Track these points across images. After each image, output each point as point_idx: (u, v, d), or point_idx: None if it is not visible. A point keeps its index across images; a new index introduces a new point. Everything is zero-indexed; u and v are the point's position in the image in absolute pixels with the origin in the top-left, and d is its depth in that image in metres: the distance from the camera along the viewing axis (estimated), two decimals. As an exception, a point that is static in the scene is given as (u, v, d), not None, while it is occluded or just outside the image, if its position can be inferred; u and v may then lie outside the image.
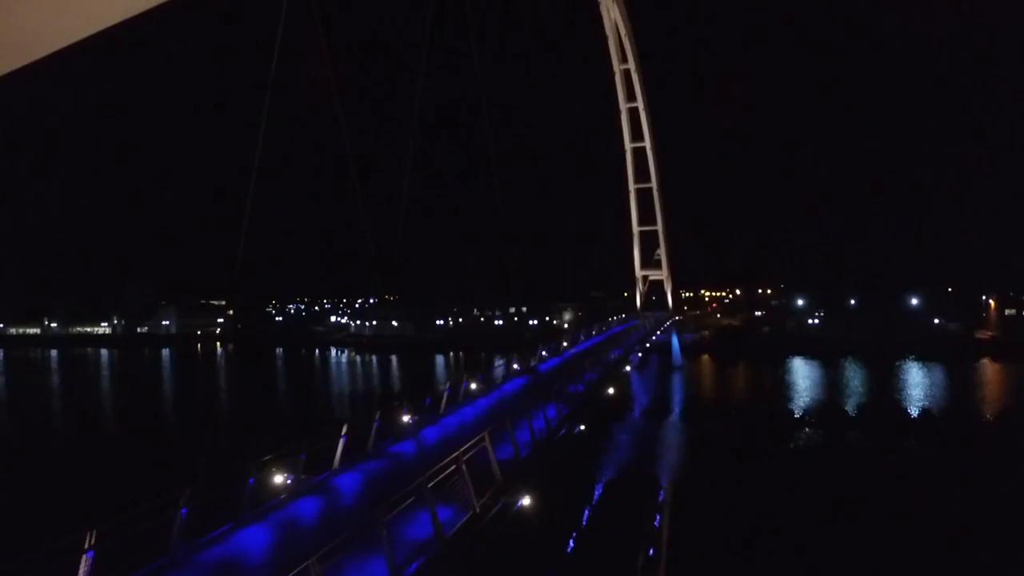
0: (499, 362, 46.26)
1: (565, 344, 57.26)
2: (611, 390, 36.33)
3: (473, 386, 32.45)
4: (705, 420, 63.73)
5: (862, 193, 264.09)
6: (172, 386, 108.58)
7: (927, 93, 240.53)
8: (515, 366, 40.69)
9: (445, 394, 27.24)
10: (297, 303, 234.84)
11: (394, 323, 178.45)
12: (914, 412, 65.36)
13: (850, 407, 67.92)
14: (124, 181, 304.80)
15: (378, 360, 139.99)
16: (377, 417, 21.03)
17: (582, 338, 63.76)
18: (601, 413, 51.05)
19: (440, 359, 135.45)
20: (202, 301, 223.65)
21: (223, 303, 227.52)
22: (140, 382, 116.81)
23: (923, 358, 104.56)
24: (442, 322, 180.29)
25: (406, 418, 24.85)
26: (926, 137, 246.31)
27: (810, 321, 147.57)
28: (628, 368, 55.31)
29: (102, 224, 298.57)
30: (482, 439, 16.95)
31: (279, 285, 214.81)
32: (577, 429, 27.25)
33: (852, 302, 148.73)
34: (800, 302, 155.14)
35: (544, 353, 48.22)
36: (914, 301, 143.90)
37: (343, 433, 18.55)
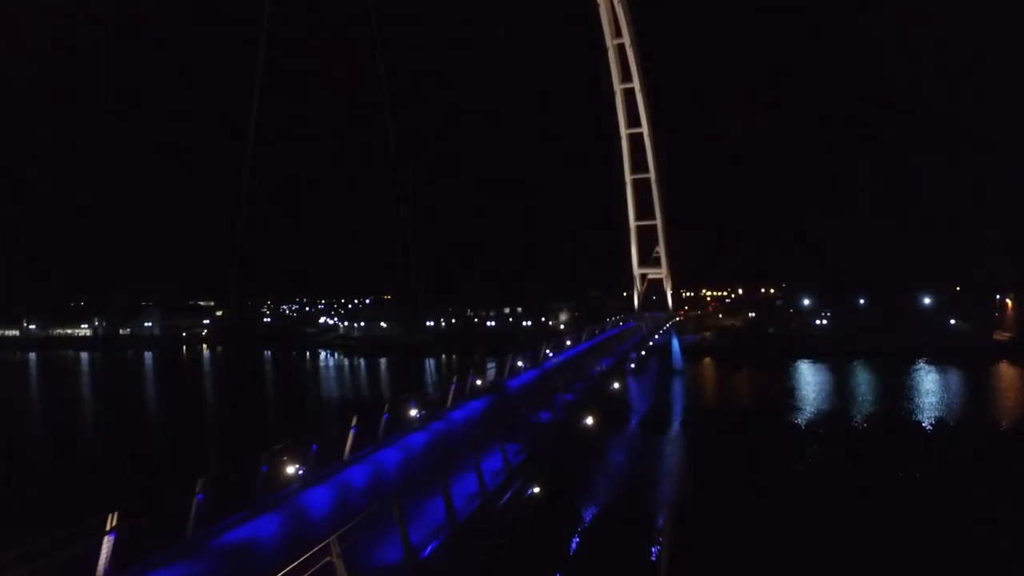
0: (490, 365, 38.99)
1: (549, 352, 49.28)
2: (590, 420, 28.44)
3: (413, 412, 25.14)
4: (711, 454, 52.37)
5: (866, 189, 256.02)
6: (118, 394, 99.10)
7: (933, 87, 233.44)
8: (478, 382, 33.21)
9: (352, 432, 19.59)
10: (291, 303, 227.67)
11: (383, 324, 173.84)
12: (931, 427, 59.09)
13: (866, 421, 61.28)
14: (108, 179, 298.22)
15: (365, 363, 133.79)
16: (199, 487, 13.20)
17: (568, 344, 56.01)
18: (581, 454, 38.79)
19: (431, 362, 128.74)
20: (190, 302, 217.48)
21: (212, 303, 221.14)
22: (91, 388, 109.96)
23: (938, 362, 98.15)
24: (432, 323, 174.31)
25: (291, 469, 17.64)
26: (932, 131, 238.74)
27: (816, 322, 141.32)
28: (617, 385, 46.54)
29: (84, 222, 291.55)
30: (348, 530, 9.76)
31: (275, 285, 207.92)
32: (529, 492, 19.10)
33: (860, 301, 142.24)
34: (806, 302, 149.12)
35: (520, 364, 40.83)
36: (926, 300, 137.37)
37: (110, 527, 11.01)
